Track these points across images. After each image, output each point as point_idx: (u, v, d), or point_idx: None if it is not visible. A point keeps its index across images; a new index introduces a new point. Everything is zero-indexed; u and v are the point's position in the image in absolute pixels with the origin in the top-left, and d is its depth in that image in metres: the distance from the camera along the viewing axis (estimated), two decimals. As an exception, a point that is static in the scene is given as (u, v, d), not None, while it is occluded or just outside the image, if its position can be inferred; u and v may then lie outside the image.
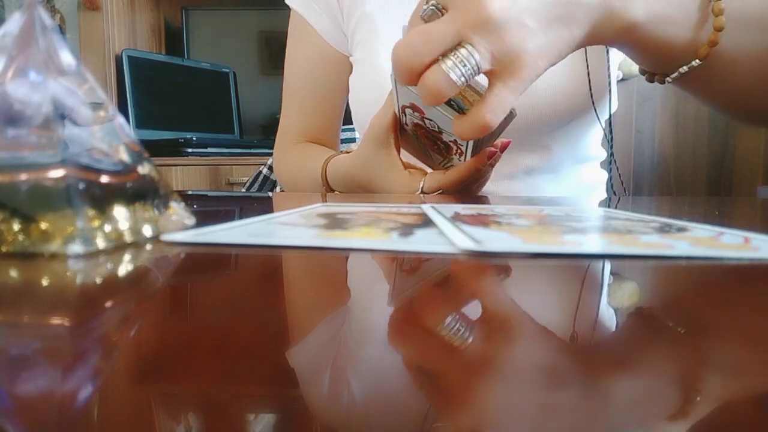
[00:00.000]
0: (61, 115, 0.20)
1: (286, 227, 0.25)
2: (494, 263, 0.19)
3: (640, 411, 0.08)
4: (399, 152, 0.54)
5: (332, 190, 0.64)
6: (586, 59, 0.62)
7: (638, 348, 0.11)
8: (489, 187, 0.65)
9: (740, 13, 0.40)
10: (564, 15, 0.36)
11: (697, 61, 0.41)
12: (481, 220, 0.28)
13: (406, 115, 0.52)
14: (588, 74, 0.62)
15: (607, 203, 0.48)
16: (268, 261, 0.20)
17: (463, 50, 0.34)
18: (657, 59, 0.44)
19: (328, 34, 0.74)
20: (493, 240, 0.21)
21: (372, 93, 0.68)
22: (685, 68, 0.42)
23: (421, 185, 0.51)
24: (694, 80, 0.44)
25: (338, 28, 0.74)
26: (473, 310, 0.14)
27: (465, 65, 0.35)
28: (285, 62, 0.79)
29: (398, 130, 0.54)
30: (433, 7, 0.36)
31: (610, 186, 0.72)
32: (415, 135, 0.55)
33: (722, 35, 0.40)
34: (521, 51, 0.35)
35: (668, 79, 0.44)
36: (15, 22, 0.21)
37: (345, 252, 0.20)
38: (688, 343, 0.11)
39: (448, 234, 0.22)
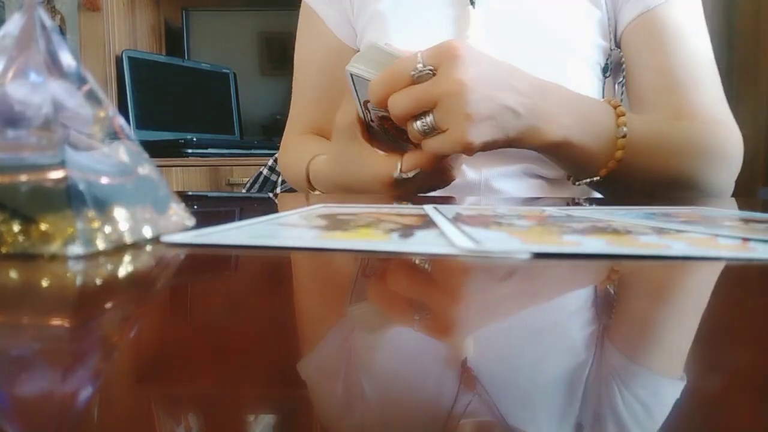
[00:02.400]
0: (61, 115, 0.20)
1: (286, 228, 0.25)
2: (493, 264, 0.19)
3: (636, 409, 0.08)
4: (369, 142, 0.54)
5: (315, 190, 0.64)
6: (603, 92, 0.63)
7: (634, 346, 0.11)
8: (491, 185, 0.65)
9: (637, 144, 0.52)
10: (501, 122, 0.47)
11: (598, 178, 0.54)
12: (482, 221, 0.28)
13: (369, 111, 0.52)
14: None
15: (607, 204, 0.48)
16: (268, 262, 0.20)
17: (429, 118, 0.46)
18: (571, 169, 0.57)
19: (336, 27, 0.74)
20: (492, 240, 0.21)
21: None
22: (588, 180, 0.56)
23: (399, 165, 0.51)
24: (601, 184, 0.56)
25: (347, 21, 0.74)
26: (465, 308, 0.14)
27: (426, 126, 0.47)
28: (294, 54, 0.78)
29: (365, 128, 0.54)
30: (429, 71, 0.46)
31: None
32: (383, 129, 0.54)
33: (620, 163, 0.52)
34: (464, 132, 0.46)
35: (578, 183, 0.57)
36: (15, 22, 0.21)
37: (345, 253, 0.20)
38: (685, 342, 0.11)
39: (448, 234, 0.22)
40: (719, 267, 0.18)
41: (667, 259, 0.19)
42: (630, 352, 0.11)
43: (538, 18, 0.66)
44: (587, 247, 0.20)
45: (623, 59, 0.67)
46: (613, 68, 0.68)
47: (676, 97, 0.61)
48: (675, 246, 0.20)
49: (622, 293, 0.16)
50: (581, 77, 0.64)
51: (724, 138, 0.60)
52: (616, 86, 0.68)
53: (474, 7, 0.65)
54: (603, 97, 0.64)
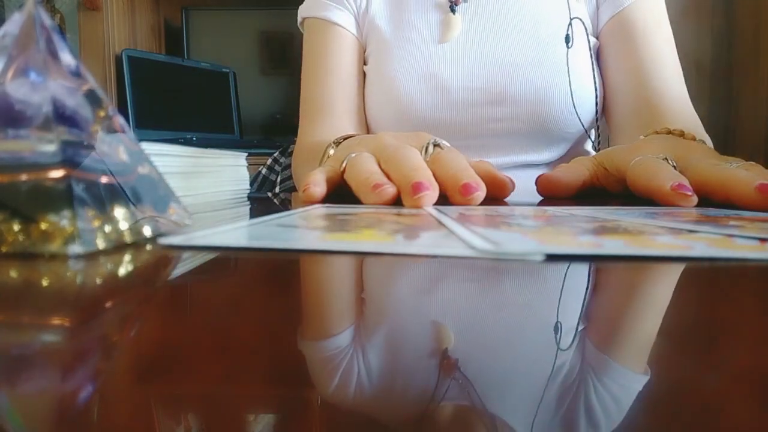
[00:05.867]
0: (61, 115, 0.20)
1: (287, 229, 0.25)
2: (513, 265, 0.18)
3: (665, 412, 0.08)
4: None
5: None
6: (568, 69, 0.67)
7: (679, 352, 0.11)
8: None
9: None
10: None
11: None
12: (490, 221, 0.28)
13: None
14: (569, 83, 0.68)
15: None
16: (268, 263, 0.20)
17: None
18: None
19: (356, 31, 0.75)
20: (510, 241, 0.20)
21: (383, 105, 0.72)
22: None
23: None
24: None
25: (359, 26, 0.76)
26: (498, 313, 0.14)
27: None
28: (308, 72, 0.76)
29: None
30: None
31: None
32: None
33: None
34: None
35: None
36: (15, 22, 0.21)
37: (349, 255, 0.20)
38: (725, 343, 0.11)
39: (461, 235, 0.22)
40: (748, 268, 0.18)
41: (690, 260, 0.19)
42: (673, 359, 0.11)
43: (519, 18, 0.70)
44: (608, 248, 0.19)
45: (600, 53, 0.74)
46: (594, 54, 0.73)
47: (648, 93, 0.68)
48: (696, 247, 0.20)
49: (675, 297, 0.16)
50: (561, 64, 0.68)
51: None
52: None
53: (455, 14, 0.69)
54: (569, 74, 0.68)
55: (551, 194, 0.51)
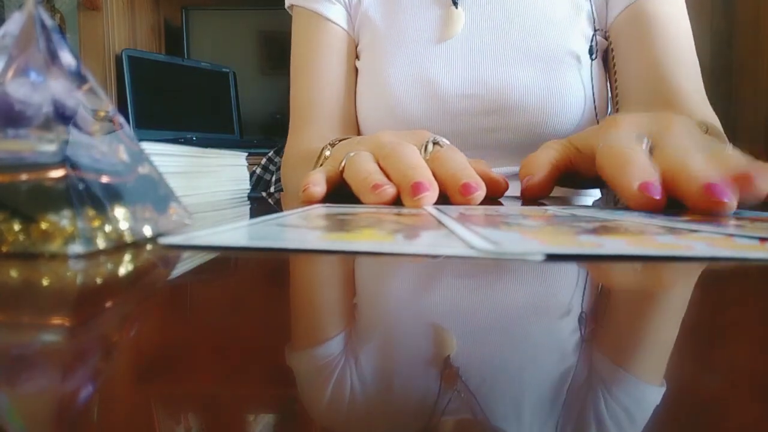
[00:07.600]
0: (61, 115, 0.20)
1: (287, 229, 0.25)
2: (513, 265, 0.18)
3: (665, 411, 0.08)
4: None
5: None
6: (592, 80, 0.66)
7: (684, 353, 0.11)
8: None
9: None
10: None
11: None
12: (490, 221, 0.28)
13: None
14: (593, 94, 0.66)
15: (605, 203, 0.48)
16: (268, 263, 0.20)
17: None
18: None
19: (347, 26, 0.72)
20: (510, 241, 0.20)
21: (375, 107, 0.69)
22: None
23: None
24: None
25: (351, 19, 0.73)
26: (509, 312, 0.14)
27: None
28: (296, 74, 0.73)
29: None
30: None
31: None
32: None
33: None
34: None
35: None
36: (15, 22, 0.21)
37: (348, 255, 0.20)
38: (731, 344, 0.11)
39: (461, 235, 0.22)
40: (748, 268, 0.18)
41: (691, 260, 0.18)
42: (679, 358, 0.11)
43: (525, 15, 0.68)
44: (609, 248, 0.19)
45: (612, 48, 0.70)
46: (599, 55, 0.70)
47: (664, 88, 0.64)
48: (697, 247, 0.19)
49: (668, 296, 0.16)
50: (569, 70, 0.66)
51: None
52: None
53: (457, 8, 0.66)
54: (593, 86, 0.67)
55: (536, 196, 0.47)
